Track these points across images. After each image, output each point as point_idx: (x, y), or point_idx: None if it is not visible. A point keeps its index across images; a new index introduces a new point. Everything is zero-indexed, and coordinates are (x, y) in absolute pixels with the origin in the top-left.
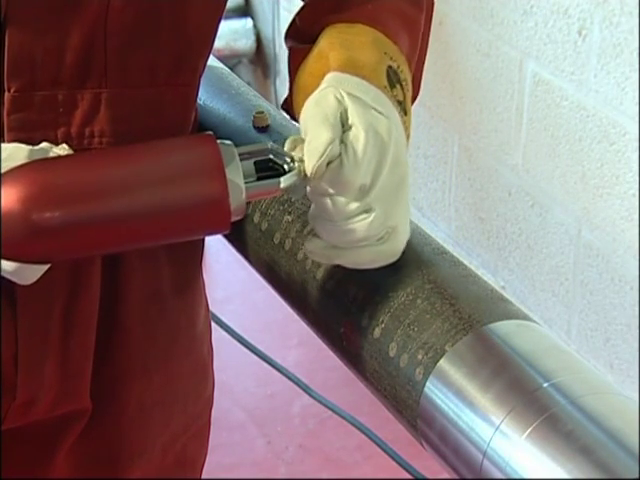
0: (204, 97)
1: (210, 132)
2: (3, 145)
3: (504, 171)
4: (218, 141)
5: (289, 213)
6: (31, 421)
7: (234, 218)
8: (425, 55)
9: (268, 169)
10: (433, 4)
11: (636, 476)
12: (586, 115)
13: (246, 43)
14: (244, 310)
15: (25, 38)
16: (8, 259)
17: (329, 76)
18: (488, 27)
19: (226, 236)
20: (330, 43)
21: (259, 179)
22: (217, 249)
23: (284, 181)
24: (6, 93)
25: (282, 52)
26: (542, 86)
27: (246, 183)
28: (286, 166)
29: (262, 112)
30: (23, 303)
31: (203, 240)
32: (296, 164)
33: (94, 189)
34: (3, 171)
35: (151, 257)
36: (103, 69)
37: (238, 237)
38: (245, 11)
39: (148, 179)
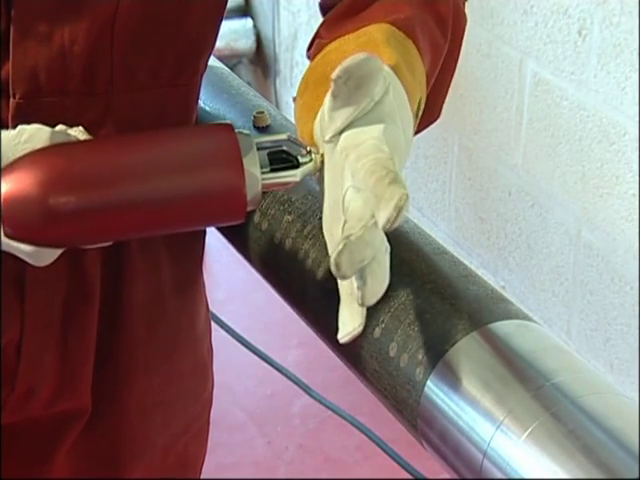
0: (204, 97)
1: (229, 121)
2: (23, 127)
3: (504, 171)
4: (236, 130)
5: (289, 213)
6: (30, 417)
7: (249, 208)
8: (448, 84)
9: (281, 160)
10: (462, 39)
11: (636, 476)
12: (586, 115)
13: (246, 43)
14: (244, 310)
15: (29, 46)
16: (24, 242)
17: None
18: (488, 27)
19: (226, 236)
20: (384, 39)
21: (272, 170)
22: (217, 249)
23: (301, 173)
24: (11, 99)
25: (282, 52)
26: (542, 86)
27: (262, 174)
28: (300, 158)
29: (262, 112)
30: (31, 289)
31: (204, 240)
32: (312, 155)
33: (111, 175)
34: (23, 153)
35: (152, 256)
36: (109, 75)
37: (238, 237)
38: (245, 11)
39: (165, 166)
